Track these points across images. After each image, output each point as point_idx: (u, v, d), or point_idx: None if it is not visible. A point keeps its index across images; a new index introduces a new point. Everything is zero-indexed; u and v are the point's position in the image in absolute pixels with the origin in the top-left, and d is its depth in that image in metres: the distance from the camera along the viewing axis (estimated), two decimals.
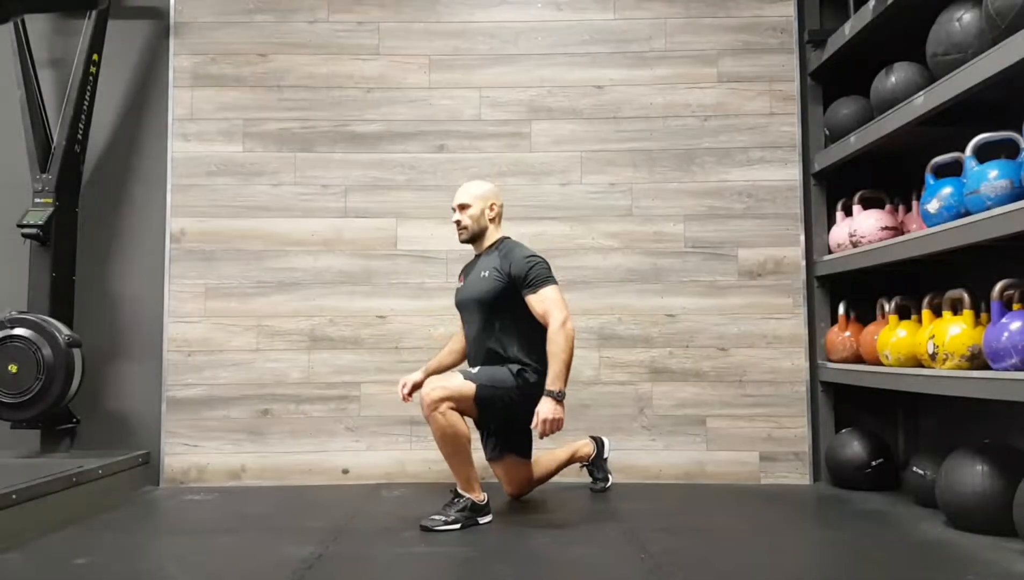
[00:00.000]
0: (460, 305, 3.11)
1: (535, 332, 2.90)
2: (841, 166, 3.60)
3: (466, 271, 3.16)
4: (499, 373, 2.91)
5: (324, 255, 3.80)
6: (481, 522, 2.85)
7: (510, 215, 3.62)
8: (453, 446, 2.83)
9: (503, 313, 2.96)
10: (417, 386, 3.10)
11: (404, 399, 3.14)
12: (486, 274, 2.98)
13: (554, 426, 2.77)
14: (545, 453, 3.30)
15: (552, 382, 2.79)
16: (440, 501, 2.92)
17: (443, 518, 2.78)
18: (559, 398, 2.78)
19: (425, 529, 2.75)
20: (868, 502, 3.21)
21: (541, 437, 2.83)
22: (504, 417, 2.98)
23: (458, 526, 2.78)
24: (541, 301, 2.88)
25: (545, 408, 2.77)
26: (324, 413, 3.74)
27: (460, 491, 2.85)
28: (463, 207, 3.05)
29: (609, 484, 3.46)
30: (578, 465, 3.45)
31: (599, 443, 3.47)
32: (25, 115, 3.63)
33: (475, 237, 3.08)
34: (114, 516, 3.06)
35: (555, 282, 2.94)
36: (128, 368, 3.77)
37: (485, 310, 2.98)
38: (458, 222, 3.06)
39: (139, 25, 3.90)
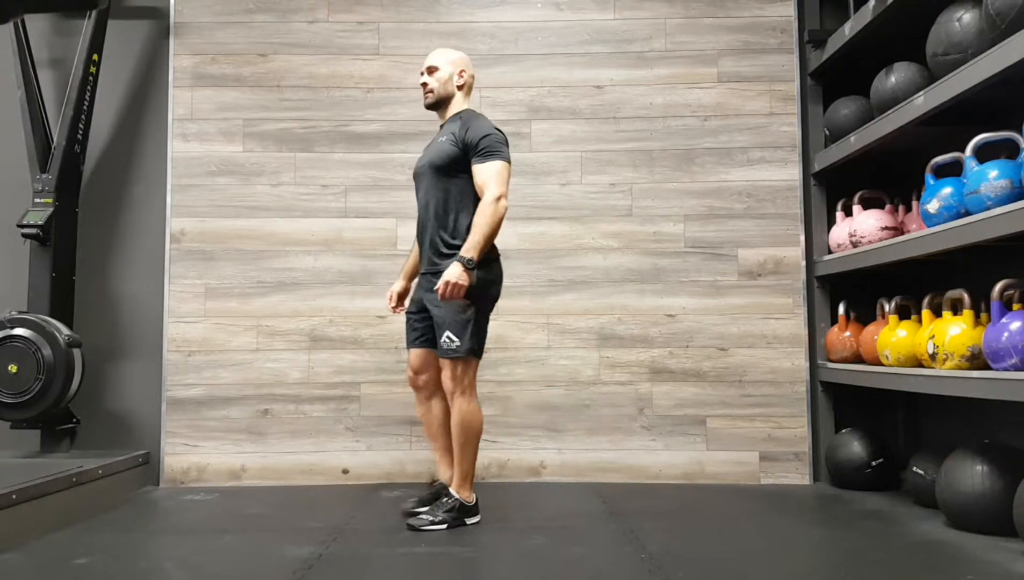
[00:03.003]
0: (416, 174, 3.02)
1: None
2: (841, 166, 3.60)
3: (428, 145, 3.07)
4: (457, 307, 2.77)
5: (324, 255, 3.80)
6: (469, 523, 2.85)
7: (511, 215, 3.62)
8: (467, 435, 2.81)
9: (455, 181, 2.87)
10: (403, 294, 3.13)
11: (395, 310, 3.14)
12: (443, 140, 2.91)
13: (455, 290, 2.70)
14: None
15: (467, 249, 2.74)
16: None
17: (430, 518, 2.79)
18: (468, 265, 2.72)
19: (412, 529, 2.75)
20: (868, 502, 3.21)
21: (441, 298, 2.74)
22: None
23: (445, 526, 2.77)
24: (483, 172, 2.81)
25: (452, 271, 2.71)
26: (324, 413, 3.74)
27: (451, 490, 2.85)
28: (431, 69, 2.97)
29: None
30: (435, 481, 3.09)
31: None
32: (25, 115, 3.63)
33: (440, 101, 2.98)
34: (114, 516, 3.06)
35: (506, 159, 2.84)
36: (128, 368, 3.77)
37: (438, 175, 2.89)
38: (425, 84, 2.98)
39: (139, 25, 3.90)
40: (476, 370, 2.87)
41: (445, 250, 2.86)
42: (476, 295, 2.78)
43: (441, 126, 3.02)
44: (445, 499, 2.84)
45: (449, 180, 2.88)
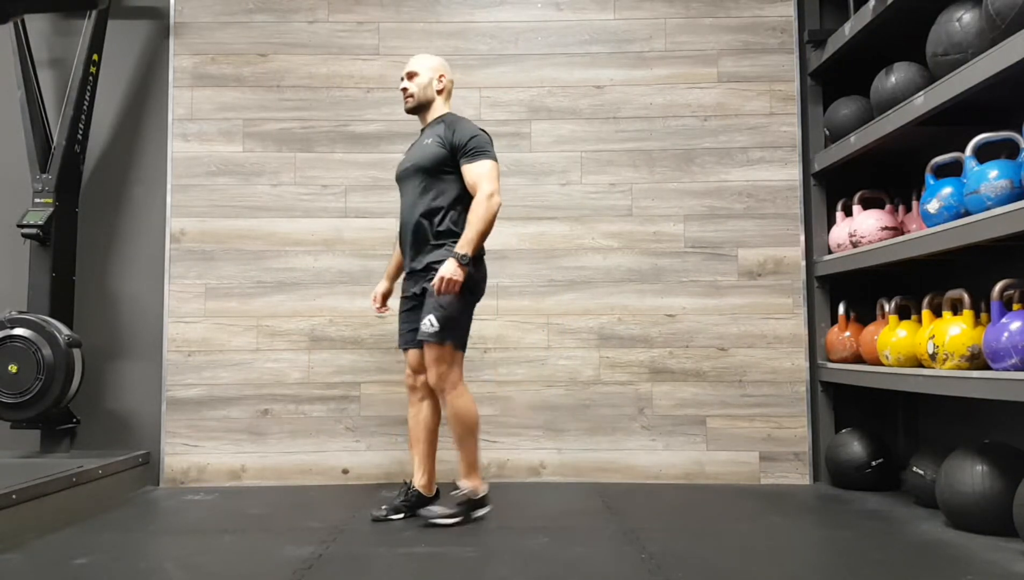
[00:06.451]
0: (400, 177, 3.03)
1: (469, 206, 2.87)
2: (841, 166, 3.60)
3: (410, 148, 3.10)
4: (445, 300, 2.80)
5: (324, 255, 3.80)
6: (478, 515, 2.88)
7: (510, 215, 3.64)
8: (463, 427, 2.85)
9: (441, 183, 2.90)
10: (387, 294, 3.18)
11: (380, 311, 3.20)
12: (429, 142, 2.94)
13: (450, 286, 2.75)
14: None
15: (462, 245, 2.78)
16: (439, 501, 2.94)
17: (441, 510, 2.83)
18: (463, 262, 2.76)
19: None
20: (868, 502, 3.21)
21: (437, 293, 2.78)
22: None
23: (459, 520, 2.82)
24: (474, 171, 2.86)
25: (448, 267, 2.76)
26: (324, 413, 3.74)
27: (461, 482, 2.88)
28: (411, 75, 3.00)
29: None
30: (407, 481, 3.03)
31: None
32: (25, 115, 3.63)
33: (420, 106, 3.01)
34: (114, 516, 3.06)
35: (494, 158, 2.90)
36: (128, 368, 3.77)
37: (424, 177, 2.91)
38: (404, 89, 3.01)
39: (139, 25, 3.90)
40: (461, 364, 2.89)
41: (434, 245, 2.89)
42: (462, 289, 2.81)
43: (422, 130, 3.05)
44: (456, 492, 2.87)
45: (435, 180, 2.91)
